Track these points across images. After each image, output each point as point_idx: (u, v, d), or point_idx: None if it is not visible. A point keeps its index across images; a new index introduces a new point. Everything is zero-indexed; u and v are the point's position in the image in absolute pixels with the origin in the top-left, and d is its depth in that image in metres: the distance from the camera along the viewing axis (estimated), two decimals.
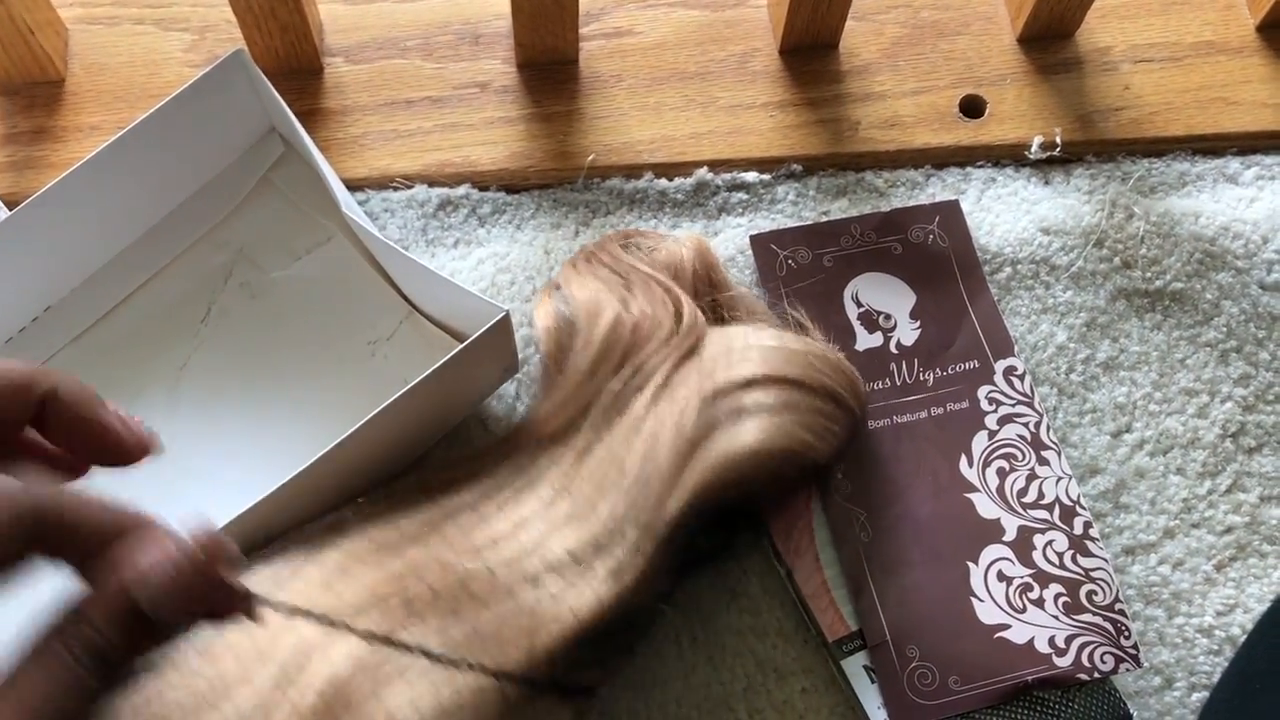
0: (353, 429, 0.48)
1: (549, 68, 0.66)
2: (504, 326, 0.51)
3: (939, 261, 0.62)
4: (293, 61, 0.64)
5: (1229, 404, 0.60)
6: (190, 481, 0.55)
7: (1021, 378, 0.59)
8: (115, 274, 0.60)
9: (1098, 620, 0.53)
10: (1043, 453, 0.57)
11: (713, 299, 0.57)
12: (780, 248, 0.62)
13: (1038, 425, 0.58)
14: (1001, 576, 0.55)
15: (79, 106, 0.64)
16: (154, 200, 0.60)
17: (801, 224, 0.63)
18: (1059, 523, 0.55)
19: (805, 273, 0.61)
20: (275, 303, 0.59)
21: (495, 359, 0.54)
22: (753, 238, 0.62)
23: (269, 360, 0.58)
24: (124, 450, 0.37)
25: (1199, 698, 0.54)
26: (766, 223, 0.63)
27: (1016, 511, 0.56)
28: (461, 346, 0.50)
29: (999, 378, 0.59)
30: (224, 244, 0.61)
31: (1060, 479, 0.56)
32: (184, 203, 0.61)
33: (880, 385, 0.59)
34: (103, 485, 0.54)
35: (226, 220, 0.61)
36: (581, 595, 0.47)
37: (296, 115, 0.64)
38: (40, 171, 0.62)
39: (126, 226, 0.60)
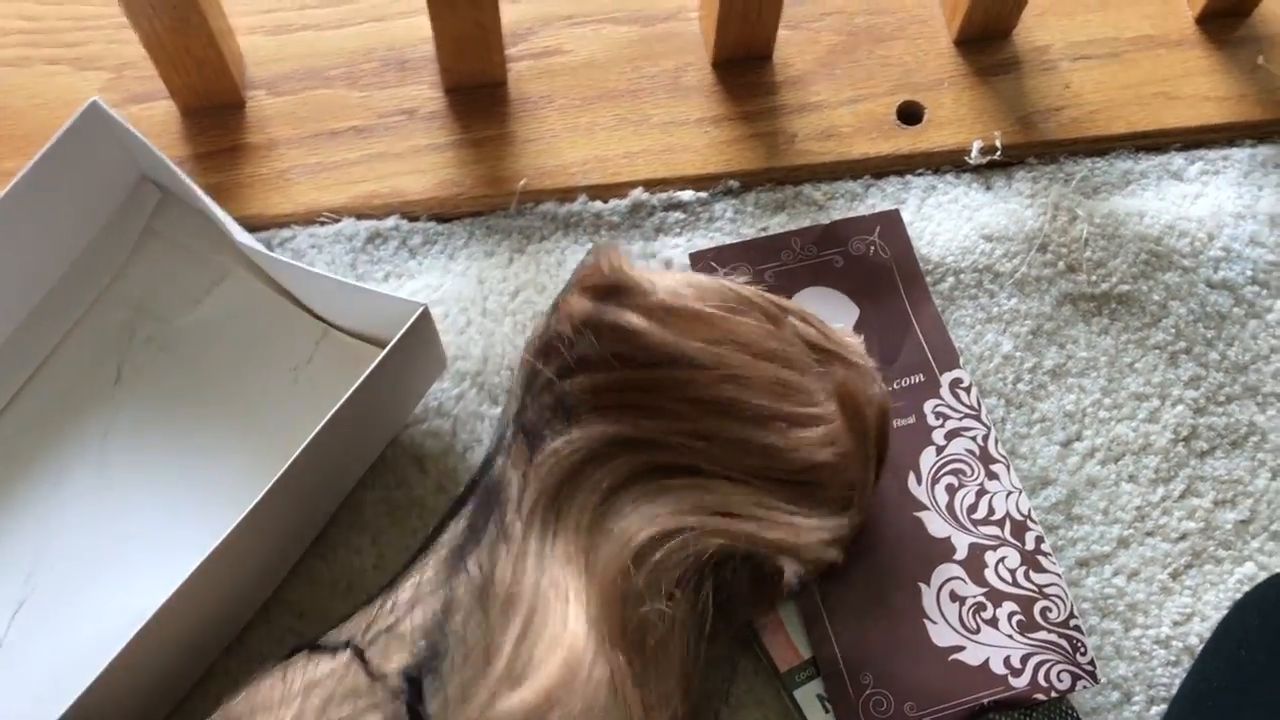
0: (294, 456, 0.48)
1: (477, 91, 0.64)
2: (425, 321, 0.51)
3: (881, 273, 0.61)
4: (213, 97, 0.63)
5: (1180, 407, 0.59)
6: (134, 547, 0.54)
7: (968, 390, 0.58)
8: (12, 356, 0.57)
9: (1053, 638, 0.52)
10: (991, 466, 0.56)
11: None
12: (720, 265, 0.61)
13: (985, 438, 0.57)
14: (954, 597, 0.53)
15: None
16: (37, 273, 0.58)
17: (741, 240, 0.62)
18: (1010, 539, 0.54)
19: None
20: (185, 351, 0.58)
21: (422, 357, 0.53)
22: (692, 256, 0.61)
23: (192, 410, 0.57)
24: None
25: (1158, 711, 0.53)
26: (705, 241, 0.62)
27: (967, 529, 0.55)
28: (389, 347, 0.50)
29: (945, 391, 0.58)
30: (120, 302, 0.59)
31: (1010, 493, 0.55)
32: (69, 269, 0.59)
33: None
34: (48, 564, 0.53)
35: (117, 278, 0.59)
36: None
37: (219, 152, 0.63)
38: None
39: (13, 306, 0.58)
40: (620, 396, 0.49)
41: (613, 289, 0.49)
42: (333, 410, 0.48)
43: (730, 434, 0.49)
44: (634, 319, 0.49)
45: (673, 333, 0.49)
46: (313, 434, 0.48)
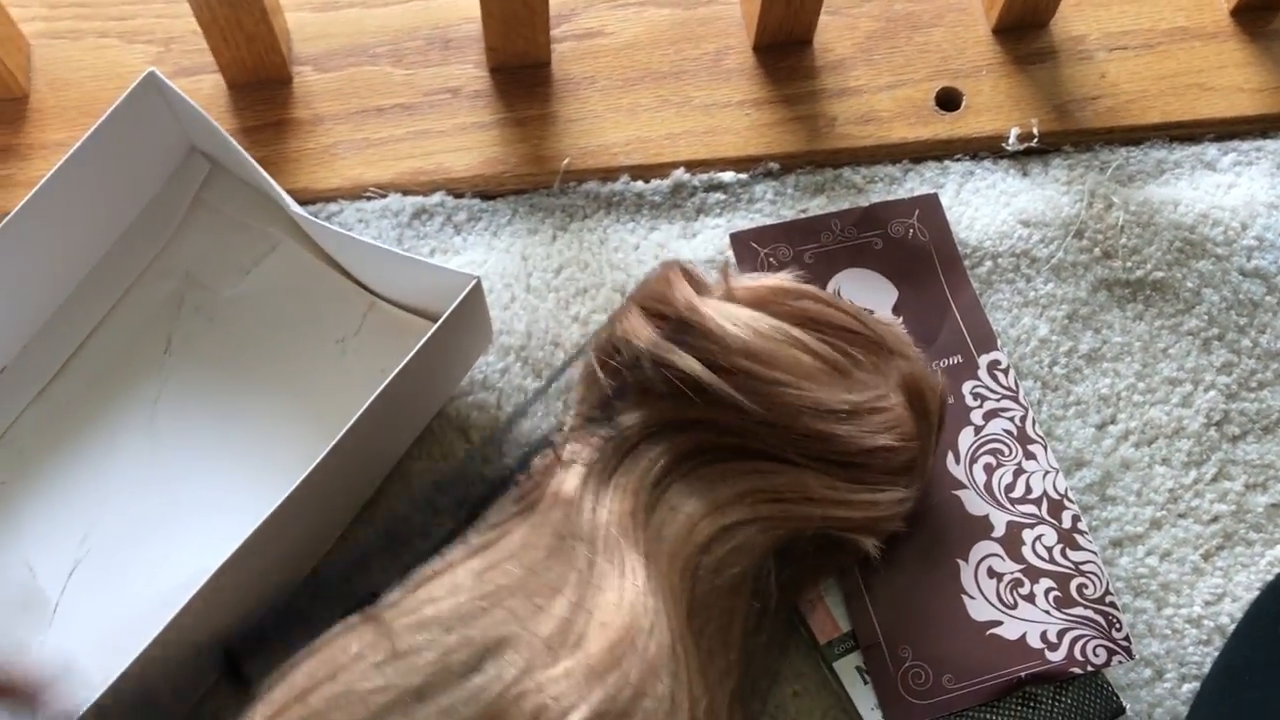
0: (348, 425, 0.48)
1: (521, 71, 0.65)
2: (477, 294, 0.52)
3: (920, 256, 0.61)
4: (261, 72, 0.63)
5: (1212, 392, 0.60)
6: (184, 512, 0.55)
7: (1005, 372, 0.59)
8: (64, 323, 0.58)
9: (1089, 613, 0.53)
10: (1029, 447, 0.57)
11: None
12: (760, 245, 0.61)
13: (1023, 419, 0.58)
14: (992, 573, 0.54)
15: (43, 123, 0.63)
16: (89, 241, 0.59)
17: (781, 221, 0.63)
18: (1047, 517, 0.55)
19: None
20: (234, 321, 0.59)
21: (471, 329, 0.54)
22: (733, 236, 0.62)
23: (241, 379, 0.57)
24: None
25: (1189, 688, 0.54)
26: (745, 222, 0.63)
27: (1005, 507, 0.56)
28: (443, 318, 0.50)
29: (983, 372, 0.59)
30: (169, 272, 0.59)
31: (1047, 473, 0.56)
32: (120, 238, 0.60)
33: None
34: (103, 527, 0.54)
35: (167, 248, 0.60)
36: None
37: (265, 126, 0.64)
38: (6, 190, 0.61)
39: (66, 273, 0.58)
40: (680, 412, 0.50)
41: (681, 324, 0.48)
42: (388, 379, 0.49)
43: (794, 425, 0.50)
44: (703, 372, 0.48)
45: (740, 380, 0.48)
46: (367, 403, 0.49)
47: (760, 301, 0.50)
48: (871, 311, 0.57)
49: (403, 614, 0.45)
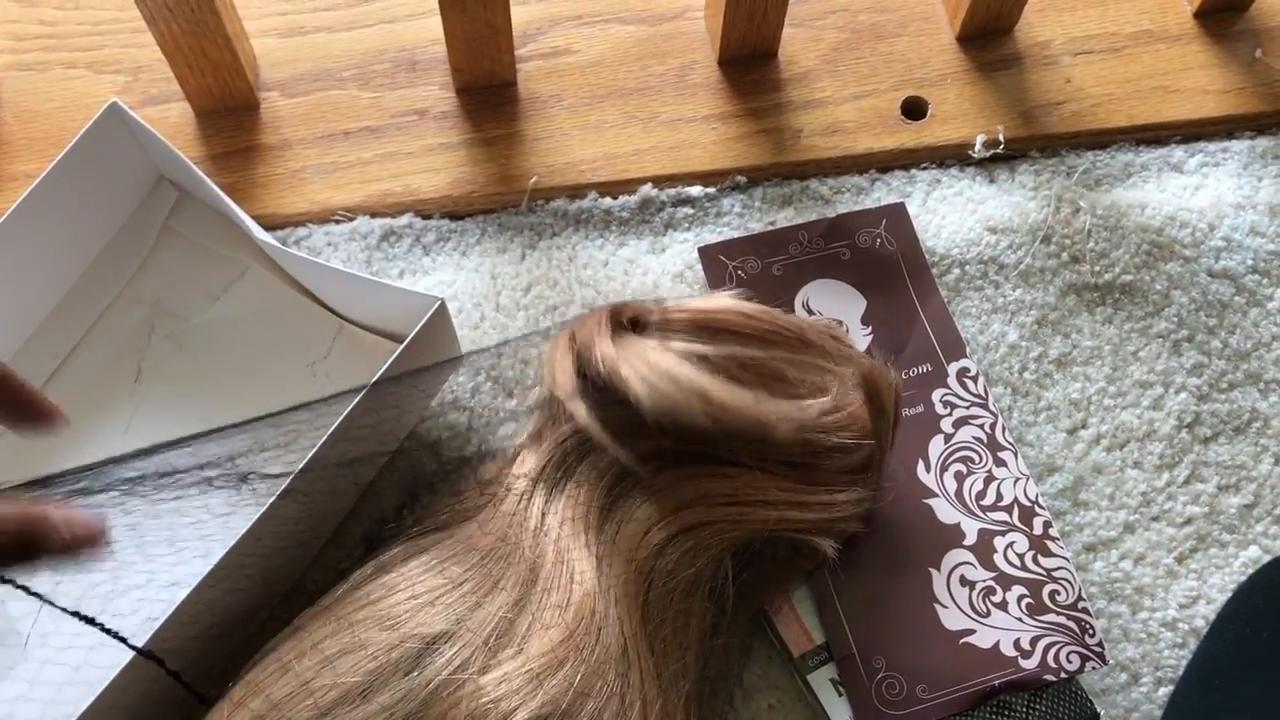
0: (314, 450, 0.48)
1: (487, 91, 0.65)
2: (442, 315, 0.52)
3: (887, 265, 0.62)
4: (228, 99, 0.64)
5: (1183, 394, 0.60)
6: (157, 542, 0.55)
7: (975, 379, 0.59)
8: (34, 353, 0.58)
9: (1062, 620, 0.53)
10: (999, 454, 0.57)
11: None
12: (729, 259, 0.62)
13: (993, 426, 0.58)
14: (964, 581, 0.54)
15: (12, 155, 0.63)
16: (59, 271, 0.59)
17: (749, 234, 0.63)
18: (1019, 524, 0.55)
19: (755, 283, 0.61)
20: (204, 348, 0.59)
21: (439, 349, 0.54)
22: (701, 250, 0.62)
23: (212, 405, 0.58)
24: (38, 413, 0.41)
25: (1165, 692, 0.54)
26: (713, 236, 0.63)
27: (976, 514, 0.56)
28: (408, 339, 0.50)
29: (952, 380, 0.59)
30: (139, 300, 0.60)
31: (1018, 479, 0.56)
32: (90, 267, 0.60)
33: None
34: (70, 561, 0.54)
35: (136, 276, 0.60)
36: None
37: (233, 153, 0.64)
38: None
39: (36, 303, 0.59)
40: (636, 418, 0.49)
41: (597, 378, 0.48)
42: (351, 404, 0.49)
43: (748, 431, 0.50)
44: (597, 433, 0.47)
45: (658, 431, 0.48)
46: (332, 428, 0.49)
47: (694, 326, 0.50)
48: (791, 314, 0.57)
49: (349, 611, 0.45)
